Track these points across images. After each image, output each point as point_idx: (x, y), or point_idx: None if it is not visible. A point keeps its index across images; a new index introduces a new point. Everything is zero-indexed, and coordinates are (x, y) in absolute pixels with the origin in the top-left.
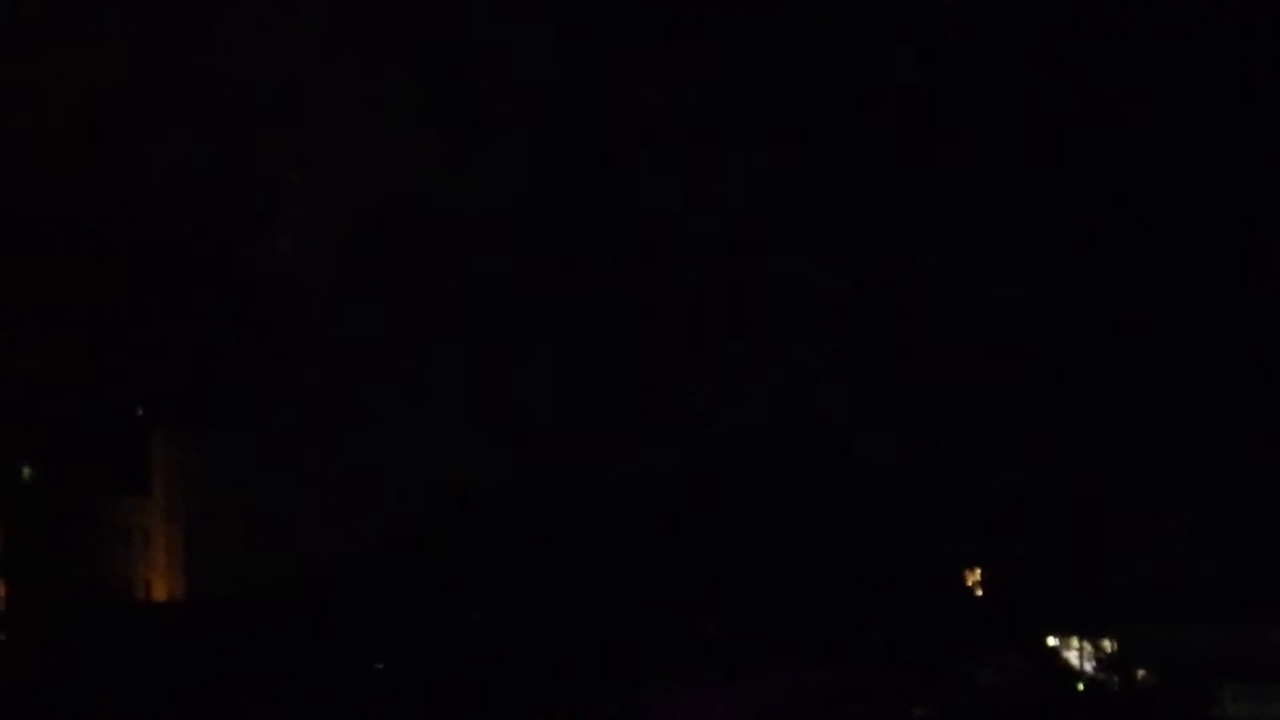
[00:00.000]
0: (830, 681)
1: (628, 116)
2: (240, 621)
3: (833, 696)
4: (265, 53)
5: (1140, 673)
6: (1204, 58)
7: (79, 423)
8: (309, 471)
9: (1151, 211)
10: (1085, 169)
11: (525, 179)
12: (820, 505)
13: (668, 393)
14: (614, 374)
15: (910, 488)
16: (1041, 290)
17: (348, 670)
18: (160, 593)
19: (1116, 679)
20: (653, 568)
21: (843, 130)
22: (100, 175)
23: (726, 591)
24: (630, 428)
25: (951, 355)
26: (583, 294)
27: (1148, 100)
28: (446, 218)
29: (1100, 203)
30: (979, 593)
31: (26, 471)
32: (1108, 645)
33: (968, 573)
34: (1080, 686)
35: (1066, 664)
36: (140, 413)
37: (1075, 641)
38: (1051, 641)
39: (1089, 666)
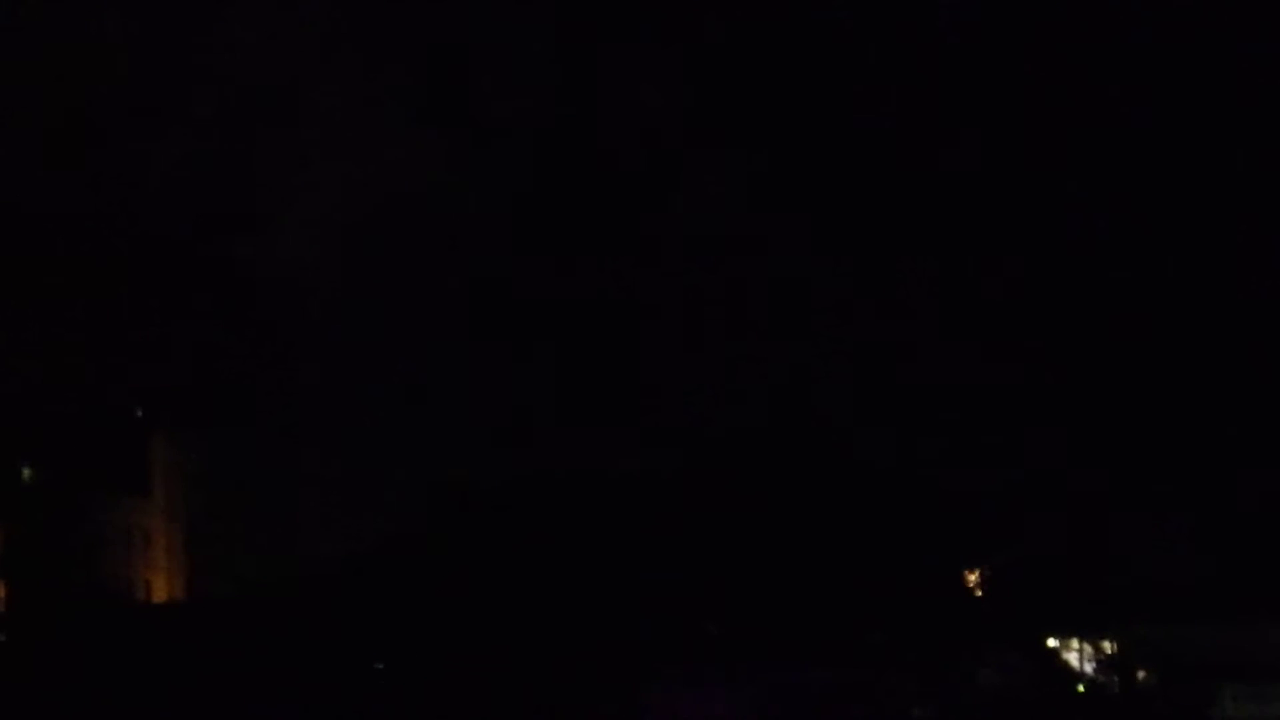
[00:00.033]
0: (830, 682)
1: (628, 116)
2: (240, 622)
3: (832, 697)
4: (265, 53)
5: (1140, 673)
6: (1204, 58)
7: (79, 424)
8: (309, 471)
9: (1151, 211)
10: (1085, 169)
11: (525, 179)
12: (820, 506)
13: (668, 393)
14: (614, 374)
15: (910, 488)
16: (1041, 290)
17: (347, 670)
18: (160, 593)
19: (1116, 680)
20: (653, 568)
21: (843, 130)
22: (100, 175)
23: (726, 592)
24: (630, 428)
25: (951, 355)
26: (583, 294)
27: (1148, 100)
28: (446, 218)
29: (1100, 203)
30: (979, 593)
31: (27, 472)
32: (1108, 646)
33: (968, 573)
34: (1080, 687)
35: (1066, 665)
36: (140, 414)
37: (1075, 642)
38: (1051, 642)
39: (1089, 667)
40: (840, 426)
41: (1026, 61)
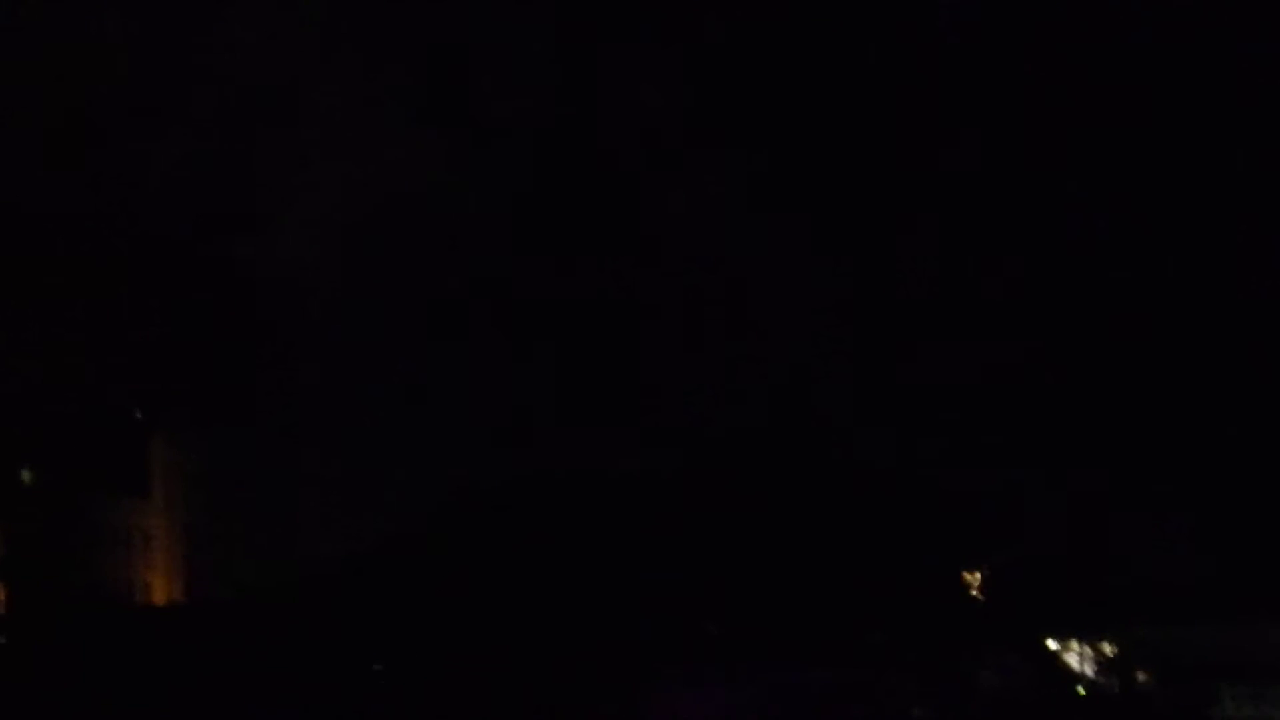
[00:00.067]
0: (829, 682)
1: (628, 116)
2: (240, 624)
3: (832, 697)
4: (265, 53)
5: (1140, 675)
6: (1204, 58)
7: (79, 425)
8: (309, 471)
9: (1151, 211)
10: (1085, 169)
11: (525, 179)
12: (820, 506)
13: (668, 393)
14: (614, 374)
15: (910, 488)
16: (1041, 290)
17: (347, 672)
18: (160, 594)
19: (1116, 681)
20: (652, 568)
21: (843, 130)
22: (100, 175)
23: (726, 592)
24: (630, 428)
25: (951, 355)
26: (583, 294)
27: (1148, 100)
28: (446, 218)
29: (1100, 203)
30: (978, 594)
31: (26, 474)
32: (1107, 647)
33: (967, 574)
34: (1080, 689)
35: (1066, 666)
36: (140, 415)
37: (1075, 644)
38: (1051, 644)
39: (1089, 668)
40: (840, 426)
41: (1026, 61)
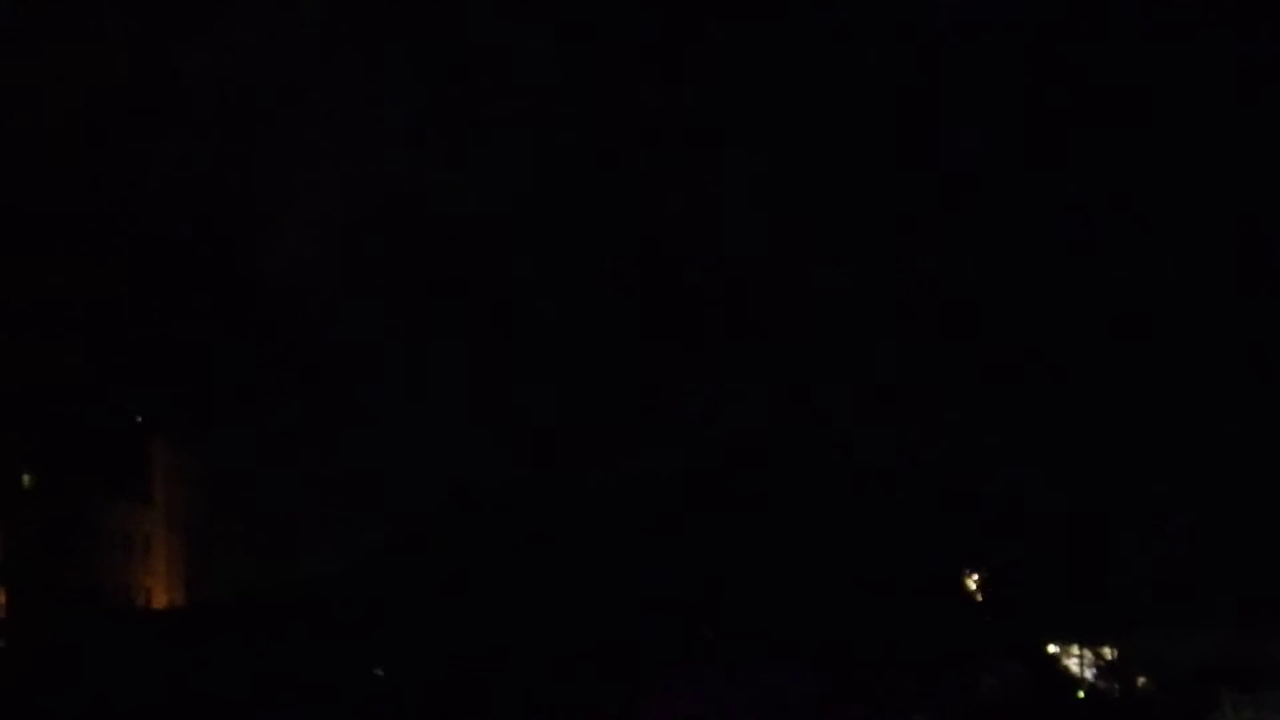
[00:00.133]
0: (828, 684)
1: (628, 116)
2: (240, 629)
3: (831, 700)
4: (265, 53)
5: (1140, 679)
6: (1204, 58)
7: (79, 429)
8: (309, 472)
9: (1151, 211)
10: (1085, 169)
11: (525, 179)
12: (819, 507)
13: (668, 393)
14: (614, 374)
15: (910, 489)
16: (1041, 289)
17: (348, 676)
18: (160, 599)
19: (1116, 686)
20: (652, 570)
21: (843, 130)
22: (100, 175)
23: (724, 593)
24: (630, 428)
25: (951, 355)
26: (583, 293)
27: (1148, 100)
28: (446, 218)
29: (1100, 203)
30: (978, 598)
31: (26, 478)
32: (1108, 652)
33: (967, 577)
34: (1080, 693)
35: (1066, 671)
36: (140, 419)
37: (1075, 648)
38: (1051, 648)
39: (1089, 673)
40: (840, 426)
41: (1026, 61)
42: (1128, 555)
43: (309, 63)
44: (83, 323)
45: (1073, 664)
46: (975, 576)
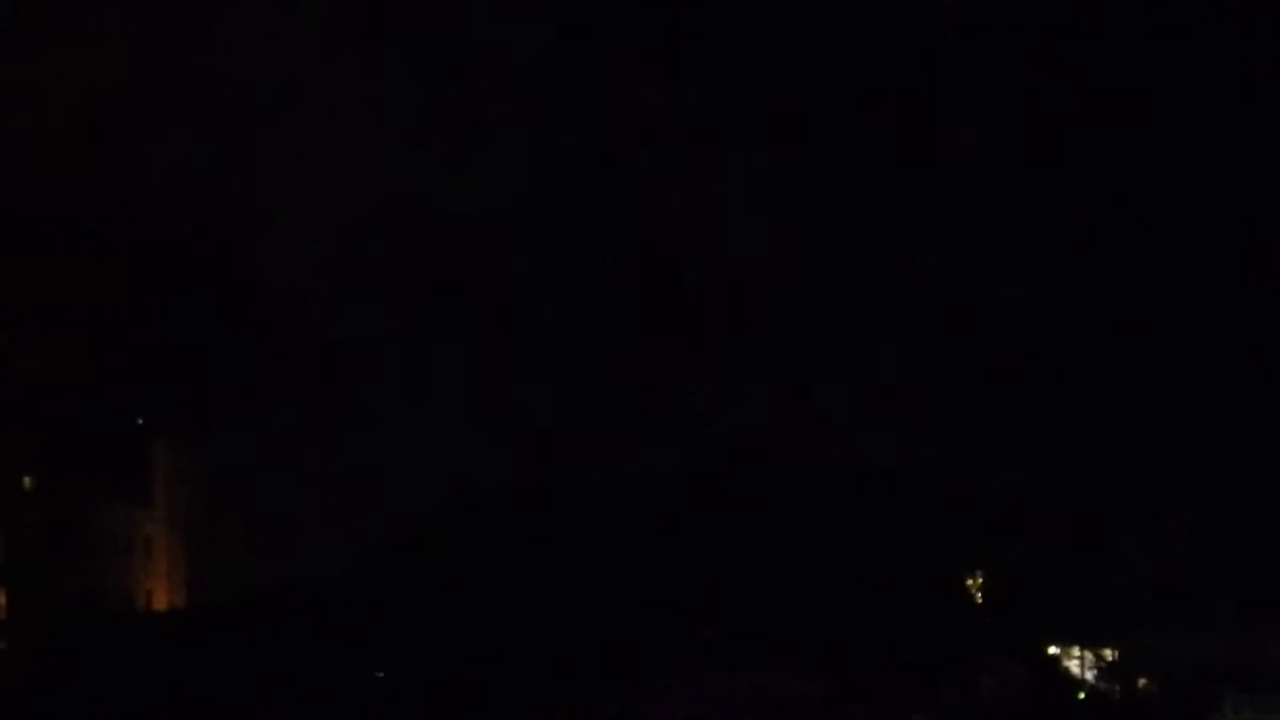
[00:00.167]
0: (829, 686)
1: (628, 116)
2: (241, 631)
3: (831, 701)
4: (265, 53)
5: (1141, 681)
6: (1204, 58)
7: (80, 431)
8: (309, 473)
9: (1151, 211)
10: (1085, 169)
11: (525, 179)
12: (819, 508)
13: (668, 393)
14: (614, 374)
15: (910, 489)
16: (1042, 290)
17: (349, 679)
18: (161, 601)
19: (1117, 687)
20: (652, 572)
21: (843, 130)
22: (100, 175)
23: (724, 595)
24: (630, 428)
25: (951, 355)
26: (583, 294)
27: (1148, 100)
28: (446, 218)
29: (1100, 203)
30: (979, 599)
31: (28, 480)
32: (1109, 653)
33: (968, 579)
34: (1081, 694)
35: (1067, 672)
36: (141, 421)
37: (1076, 649)
38: (1052, 649)
39: (1090, 674)
40: (840, 427)
41: (1026, 61)
42: (1128, 555)
43: (309, 63)
44: (83, 323)
45: (1073, 665)
46: (976, 578)
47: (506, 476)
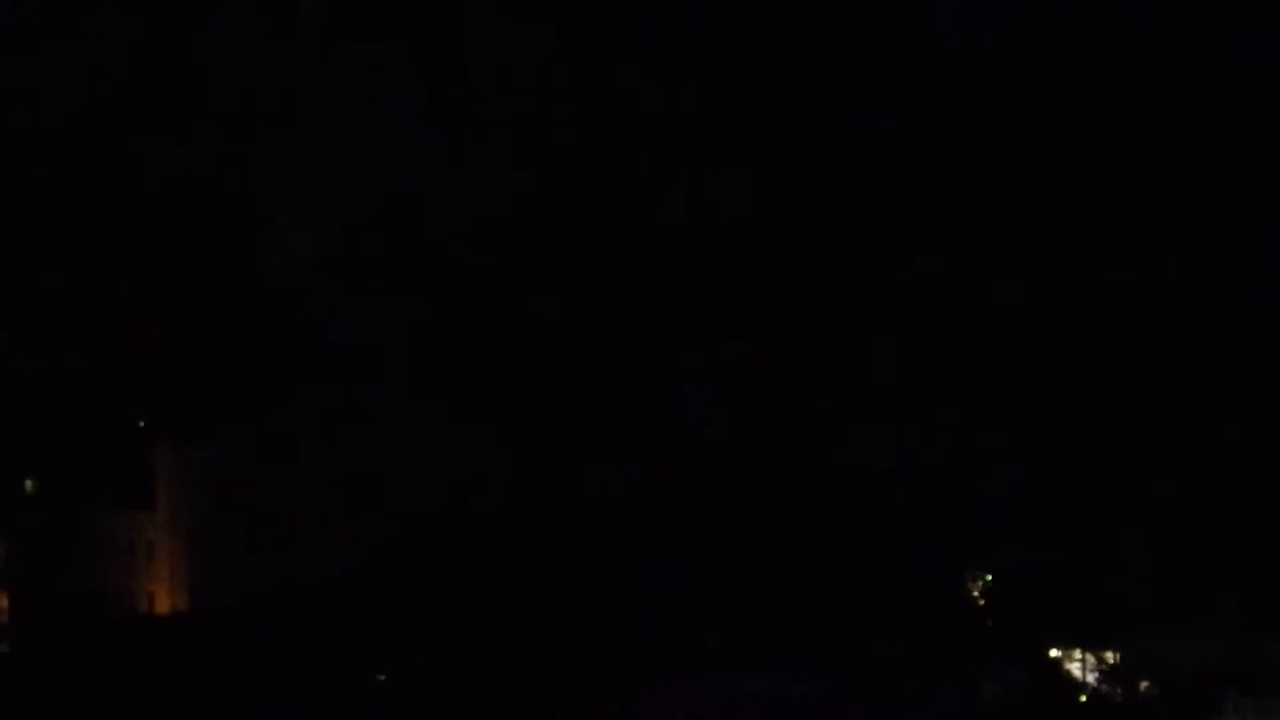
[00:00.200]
0: (829, 691)
1: (628, 116)
2: (242, 634)
3: (833, 706)
4: (265, 53)
5: (1143, 684)
6: (1204, 58)
7: (82, 435)
8: (309, 473)
9: (1152, 211)
10: (1085, 169)
11: (525, 179)
12: (821, 509)
13: (667, 393)
14: (613, 375)
15: (910, 489)
16: (1042, 290)
17: (350, 681)
18: (163, 605)
19: (1119, 690)
20: (651, 571)
21: (843, 130)
22: (100, 175)
23: (724, 598)
24: (630, 428)
25: (951, 355)
26: (583, 294)
27: (1148, 100)
28: (446, 218)
29: (1100, 203)
30: (980, 603)
31: (29, 484)
32: (1110, 656)
33: (969, 583)
34: (1083, 698)
35: (1069, 675)
36: (142, 424)
37: (1078, 653)
38: (1054, 652)
39: (1091, 678)
40: (840, 427)
41: (1027, 61)
42: (1128, 556)
43: (309, 63)
44: (83, 323)
45: (1075, 668)
46: (977, 580)
47: (506, 476)
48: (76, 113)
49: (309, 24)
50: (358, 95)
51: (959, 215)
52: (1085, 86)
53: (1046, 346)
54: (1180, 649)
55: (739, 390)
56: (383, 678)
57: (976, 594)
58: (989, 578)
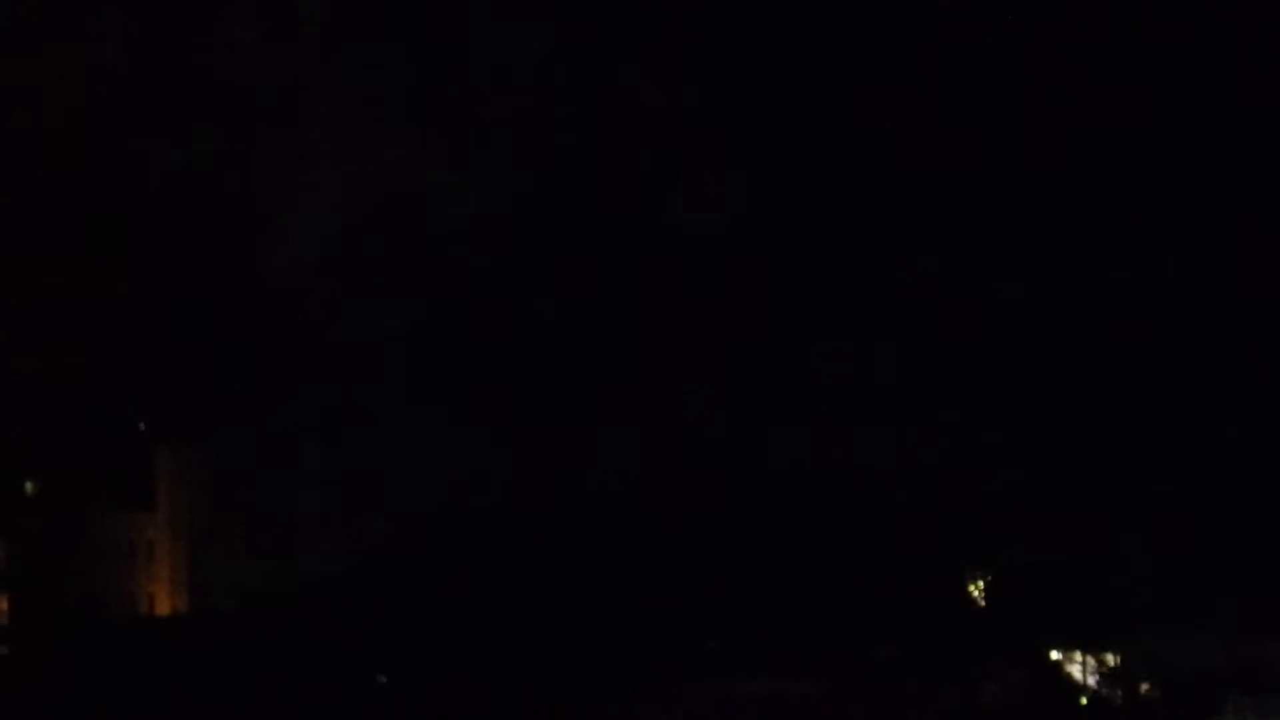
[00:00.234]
0: (830, 692)
1: (628, 116)
2: (243, 636)
3: (833, 707)
4: (265, 53)
5: (1143, 686)
6: (1204, 58)
7: (82, 437)
8: (309, 473)
9: (1152, 211)
10: (1085, 169)
11: (525, 179)
12: (820, 510)
13: (668, 393)
14: (614, 374)
15: (910, 489)
16: (1042, 290)
17: (351, 683)
18: (164, 607)
19: (1119, 692)
20: (652, 572)
21: (843, 130)
22: (100, 175)
23: (724, 599)
24: (630, 428)
25: (951, 355)
26: (583, 294)
27: (1148, 100)
28: (446, 218)
29: (1100, 203)
30: (980, 604)
31: (30, 486)
32: (1111, 658)
33: (969, 584)
34: (1083, 700)
35: (1069, 677)
36: (143, 426)
37: (1078, 654)
38: (1054, 654)
39: (1092, 680)
40: (840, 427)
41: (1027, 61)
42: (1128, 556)
43: (309, 63)
44: (83, 323)
45: (1075, 670)
46: (977, 582)
47: (506, 476)
48: (76, 113)
49: (309, 24)
50: (358, 95)
51: (959, 215)
52: (1085, 86)
53: (1046, 346)
54: (1180, 650)
55: (739, 390)
56: (384, 679)
57: (976, 594)
58: (989, 578)
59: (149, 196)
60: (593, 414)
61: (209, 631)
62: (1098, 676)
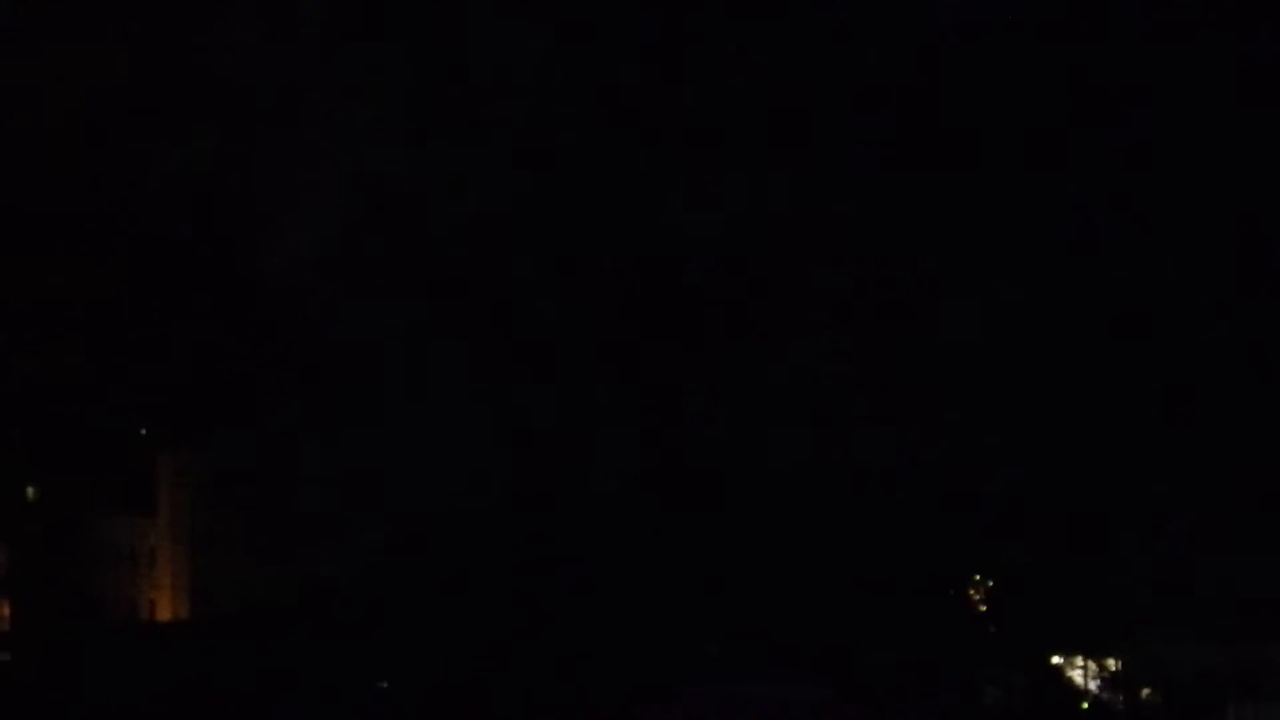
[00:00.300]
0: (830, 696)
1: (628, 116)
2: (244, 641)
3: (832, 707)
4: (265, 53)
5: (1145, 691)
6: (1204, 58)
7: (83, 442)
8: (309, 473)
9: (1151, 211)
10: (1085, 169)
11: (525, 179)
12: (820, 511)
13: (668, 393)
14: (614, 374)
15: (910, 489)
16: (1041, 289)
17: (353, 688)
18: (165, 612)
19: (1121, 698)
20: (652, 573)
21: (843, 130)
22: (100, 175)
23: (724, 601)
24: (629, 428)
25: (951, 355)
26: (583, 294)
27: (1148, 100)
28: (446, 218)
29: (1100, 203)
30: (981, 609)
31: (31, 491)
32: (1112, 663)
33: (970, 589)
34: (1084, 705)
35: (1071, 682)
36: (144, 432)
37: (1079, 659)
38: (1055, 659)
39: (1093, 685)
40: (840, 427)
41: (1027, 61)
42: (1128, 557)
43: (309, 63)
44: (83, 323)
45: (1076, 675)
46: (978, 587)
47: (506, 476)
48: (76, 113)
49: (309, 24)
50: (358, 95)
51: (959, 215)
52: (1085, 86)
53: (1046, 346)
54: (1181, 653)
55: (739, 390)
56: (385, 685)
57: (977, 597)
58: (990, 581)
59: (149, 196)
60: (593, 414)
61: (210, 636)
62: (1099, 681)
